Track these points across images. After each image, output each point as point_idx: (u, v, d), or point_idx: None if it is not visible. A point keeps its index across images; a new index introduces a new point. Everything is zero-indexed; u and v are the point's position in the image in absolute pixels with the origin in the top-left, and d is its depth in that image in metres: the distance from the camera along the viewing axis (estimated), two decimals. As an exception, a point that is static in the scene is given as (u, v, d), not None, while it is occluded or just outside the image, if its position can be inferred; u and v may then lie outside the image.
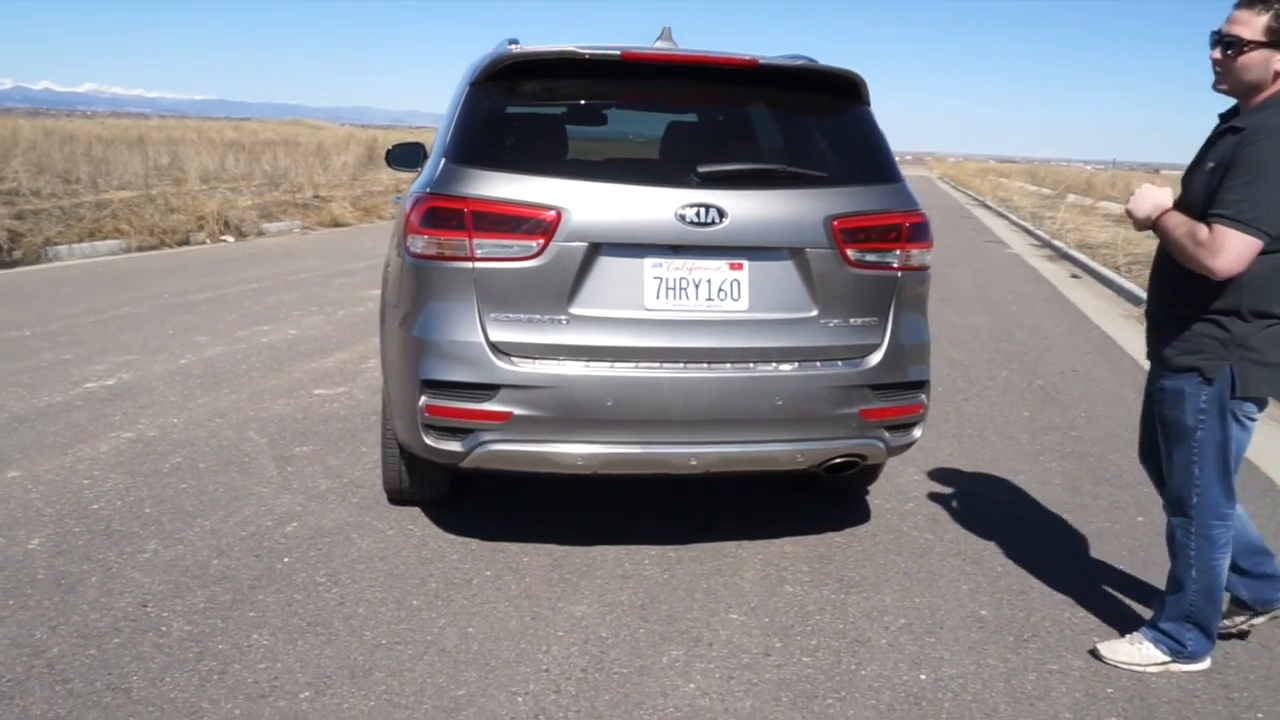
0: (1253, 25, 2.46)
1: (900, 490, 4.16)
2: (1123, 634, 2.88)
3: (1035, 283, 11.39)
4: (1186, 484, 2.66)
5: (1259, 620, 2.90)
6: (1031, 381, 6.31)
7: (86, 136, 19.26)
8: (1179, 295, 2.60)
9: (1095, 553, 3.59)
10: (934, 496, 4.11)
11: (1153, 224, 2.59)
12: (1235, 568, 2.80)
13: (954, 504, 4.04)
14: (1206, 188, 2.50)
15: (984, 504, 4.06)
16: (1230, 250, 2.42)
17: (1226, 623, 2.87)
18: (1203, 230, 2.46)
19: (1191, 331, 2.59)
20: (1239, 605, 2.89)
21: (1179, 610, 2.71)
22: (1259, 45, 2.46)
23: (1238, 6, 2.50)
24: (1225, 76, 2.53)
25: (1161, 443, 2.73)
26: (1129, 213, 2.67)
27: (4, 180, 12.79)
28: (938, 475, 4.39)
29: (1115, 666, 2.75)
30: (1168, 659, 2.74)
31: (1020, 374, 6.49)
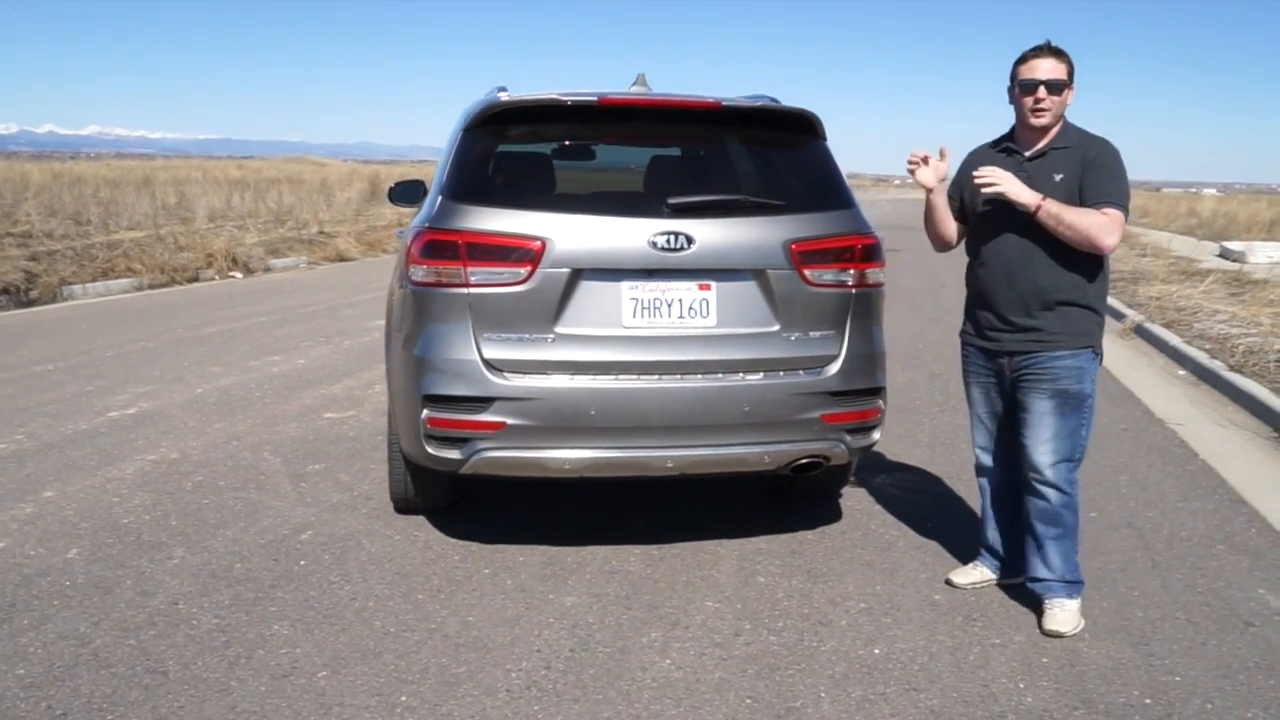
0: (1061, 70, 3.08)
1: (871, 493, 4.46)
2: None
3: (1020, 301, 11.73)
4: (1076, 443, 3.16)
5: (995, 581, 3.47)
6: (1005, 393, 6.60)
7: (94, 179, 19.80)
8: (1063, 286, 3.09)
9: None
10: (902, 498, 4.42)
11: (1037, 210, 3.01)
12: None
13: (920, 505, 4.34)
14: (1065, 193, 3.04)
15: (948, 505, 4.36)
16: (1119, 227, 3.02)
17: (963, 581, 3.44)
18: (1099, 214, 2.98)
19: (1076, 316, 3.11)
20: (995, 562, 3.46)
21: (1075, 550, 3.22)
22: (1067, 85, 3.09)
23: (1041, 56, 3.07)
24: (1050, 111, 3.07)
25: (1053, 416, 3.13)
26: (1004, 194, 3.04)
27: (18, 223, 13.23)
28: (907, 479, 4.69)
29: (1061, 635, 3.09)
30: (1078, 603, 3.19)
31: (996, 387, 6.79)
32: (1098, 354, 3.17)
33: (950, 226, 3.32)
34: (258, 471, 4.59)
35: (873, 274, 3.56)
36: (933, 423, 5.75)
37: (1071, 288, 3.09)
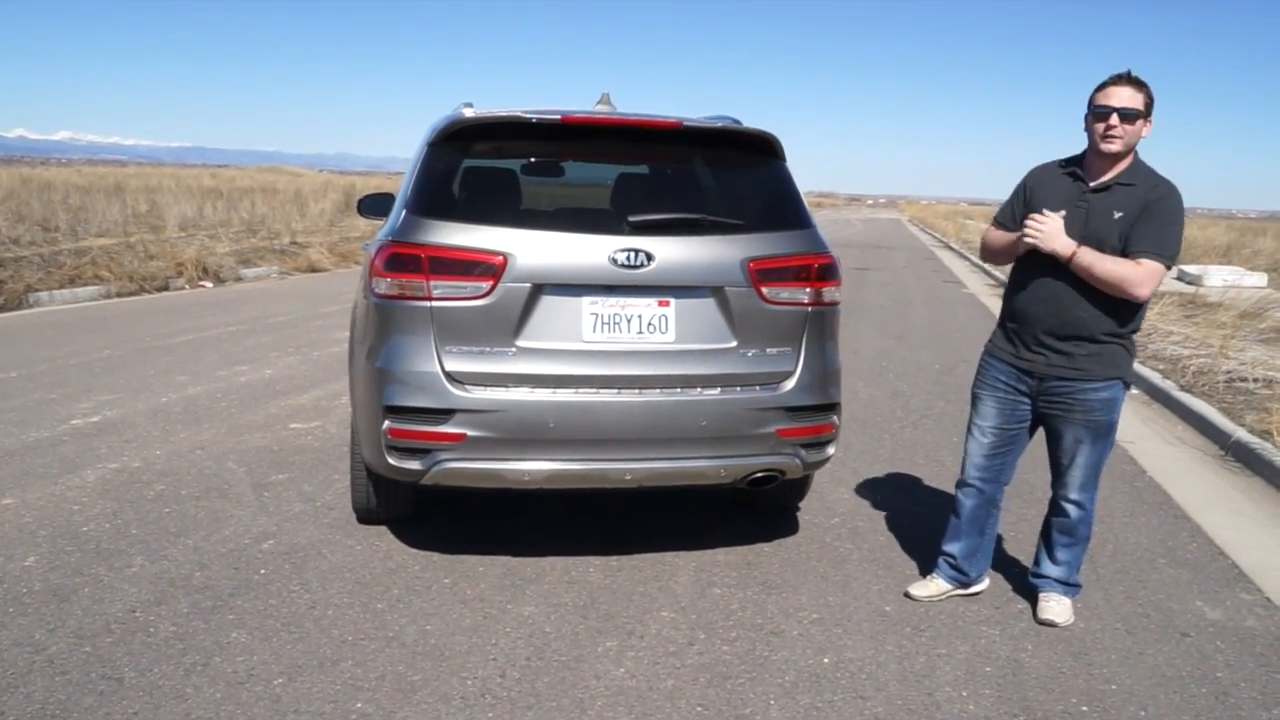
0: (1138, 100, 3.10)
1: (828, 507, 4.55)
2: (1008, 624, 3.33)
3: (986, 319, 11.93)
4: (1098, 467, 3.34)
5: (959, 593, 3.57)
6: (965, 410, 6.71)
7: (64, 185, 19.61)
8: (1102, 320, 3.16)
9: (997, 557, 3.97)
10: (858, 512, 4.51)
11: (1071, 258, 3.09)
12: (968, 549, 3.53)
13: (876, 519, 4.43)
14: (1120, 231, 3.10)
15: (903, 519, 4.45)
16: (1155, 278, 3.09)
17: (922, 594, 3.52)
18: (1131, 264, 3.06)
19: (1110, 349, 3.20)
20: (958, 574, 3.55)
21: (1080, 560, 3.46)
22: (1142, 115, 3.11)
23: (1119, 84, 3.11)
24: (1121, 139, 3.10)
25: (1087, 444, 3.28)
26: (1037, 246, 3.14)
27: (-16, 229, 13.08)
28: (865, 494, 4.78)
29: (1055, 625, 3.33)
30: (1070, 601, 3.44)
31: (957, 404, 6.90)
32: (1127, 384, 3.27)
33: (1011, 255, 3.34)
34: (221, 481, 4.60)
35: (829, 292, 3.65)
36: (893, 439, 5.85)
37: (1110, 322, 3.15)
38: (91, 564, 3.58)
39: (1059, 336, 3.22)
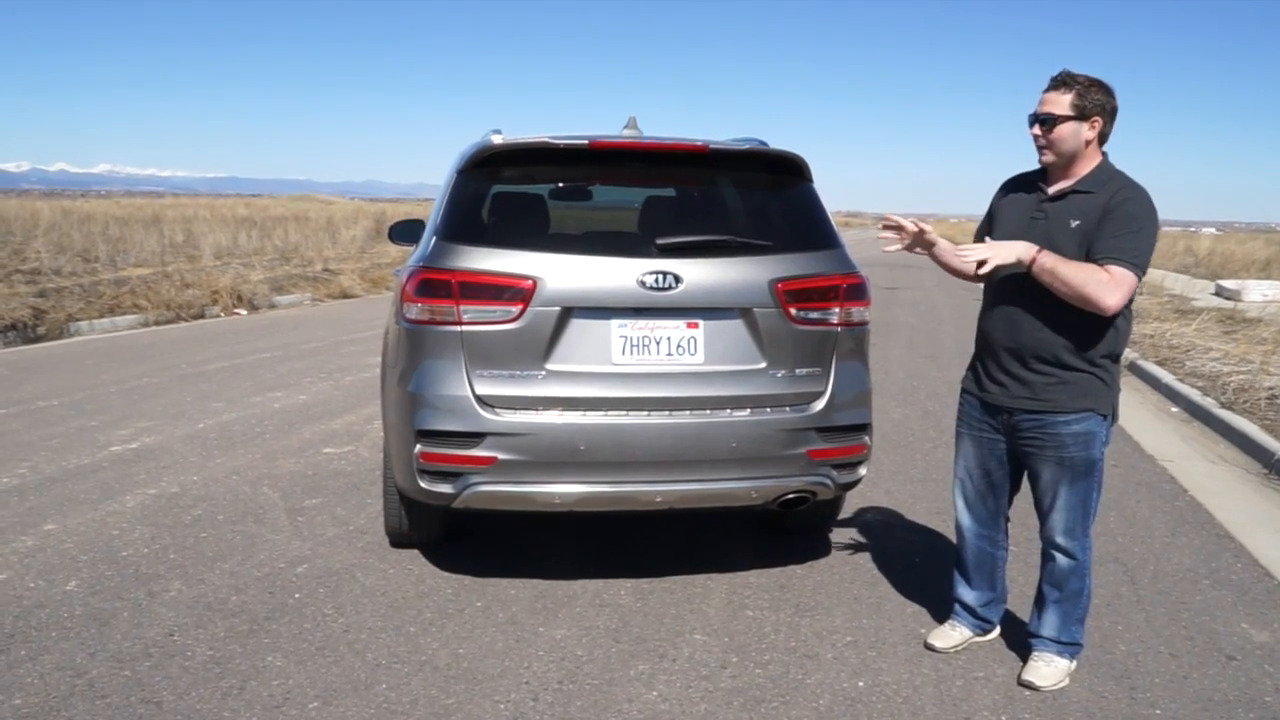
0: (1062, 103, 2.86)
1: (861, 528, 4.51)
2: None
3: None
4: (1088, 510, 3.02)
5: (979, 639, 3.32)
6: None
7: (104, 216, 20.07)
8: (1061, 342, 2.91)
9: (1032, 581, 3.90)
10: (892, 534, 4.46)
11: (1031, 264, 2.84)
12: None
13: (909, 540, 4.38)
14: (1079, 241, 2.84)
15: (937, 541, 4.40)
16: (1125, 288, 2.78)
17: (945, 645, 3.26)
18: (1100, 271, 2.78)
19: (1079, 378, 2.93)
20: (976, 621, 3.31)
21: (1078, 614, 3.07)
22: (1068, 119, 2.86)
23: (1047, 90, 2.91)
24: (1049, 148, 2.90)
25: (1064, 485, 2.99)
26: (995, 263, 2.87)
27: (26, 260, 13.42)
28: (898, 515, 4.73)
29: (1034, 688, 2.99)
30: (1071, 663, 3.08)
31: (990, 423, 6.83)
32: (1106, 417, 2.96)
33: (956, 264, 3.12)
34: (256, 505, 4.65)
35: (858, 312, 3.63)
36: (925, 459, 5.79)
37: (1076, 344, 2.90)
38: (131, 588, 3.63)
39: (1020, 361, 2.97)
